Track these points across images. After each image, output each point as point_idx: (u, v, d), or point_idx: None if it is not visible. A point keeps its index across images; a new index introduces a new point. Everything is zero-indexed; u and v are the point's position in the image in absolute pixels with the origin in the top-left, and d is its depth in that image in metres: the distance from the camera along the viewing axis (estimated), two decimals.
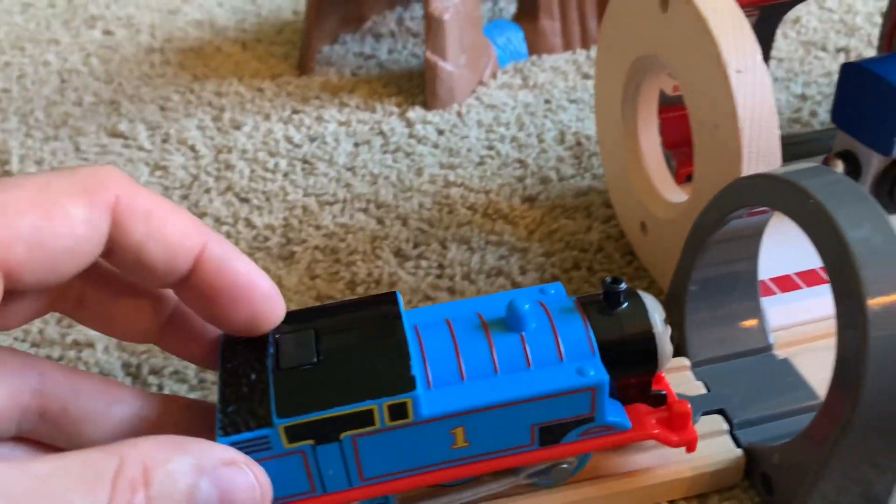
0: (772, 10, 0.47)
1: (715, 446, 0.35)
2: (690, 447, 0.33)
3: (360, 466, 0.30)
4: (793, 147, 0.51)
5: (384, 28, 0.77)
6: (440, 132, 0.61)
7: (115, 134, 0.64)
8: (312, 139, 0.62)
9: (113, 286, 0.28)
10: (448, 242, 0.50)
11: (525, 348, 0.30)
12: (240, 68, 0.72)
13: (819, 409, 0.31)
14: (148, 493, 0.22)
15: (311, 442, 0.29)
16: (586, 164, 0.56)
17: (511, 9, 0.76)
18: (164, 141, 0.63)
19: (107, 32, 0.81)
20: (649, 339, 0.31)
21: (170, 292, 0.29)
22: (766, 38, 0.49)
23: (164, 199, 0.26)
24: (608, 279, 0.31)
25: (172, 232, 0.26)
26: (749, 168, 0.36)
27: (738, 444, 0.35)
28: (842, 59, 0.66)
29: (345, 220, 0.53)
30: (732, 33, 0.36)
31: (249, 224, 0.53)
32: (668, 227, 0.43)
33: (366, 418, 0.29)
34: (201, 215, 0.54)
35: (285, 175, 0.58)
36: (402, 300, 0.31)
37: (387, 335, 0.30)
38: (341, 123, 0.63)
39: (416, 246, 0.50)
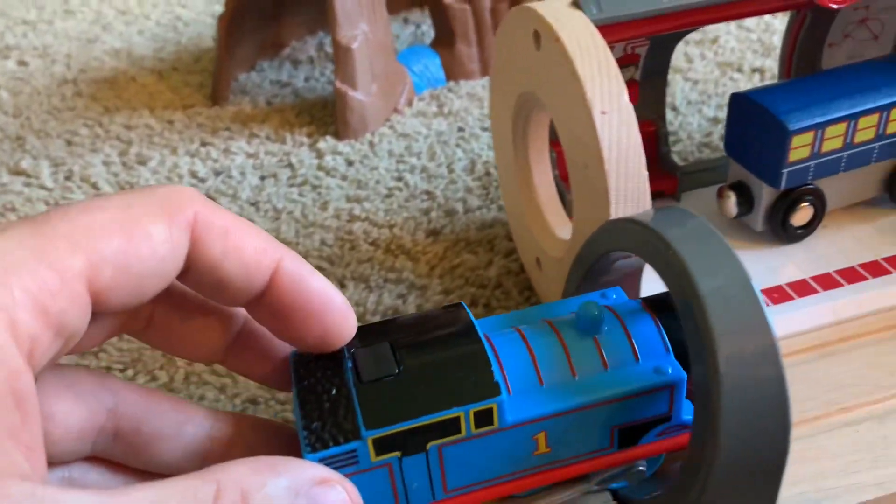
0: (664, 39, 0.46)
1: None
2: None
3: (444, 478, 0.30)
4: (695, 175, 0.50)
5: (303, 54, 0.76)
6: (350, 163, 0.60)
7: (17, 172, 0.62)
8: (218, 173, 0.60)
9: (181, 306, 0.28)
10: (346, 281, 0.49)
11: (600, 350, 0.30)
12: (153, 99, 0.71)
13: (682, 463, 0.30)
14: None
15: (397, 454, 0.28)
16: (493, 194, 0.56)
17: (432, 34, 0.75)
18: (67, 178, 0.61)
19: (21, 63, 0.79)
20: None
21: (237, 311, 0.29)
22: (662, 65, 0.49)
23: (239, 217, 0.26)
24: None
25: (249, 249, 0.25)
26: (617, 209, 0.35)
27: (616, 497, 0.34)
28: (757, 80, 0.66)
29: None
30: (598, 73, 0.35)
31: None
32: (557, 264, 0.43)
33: (452, 426, 0.28)
34: None
35: None
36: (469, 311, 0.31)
37: (464, 343, 0.30)
38: (249, 156, 0.62)
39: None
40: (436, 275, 0.49)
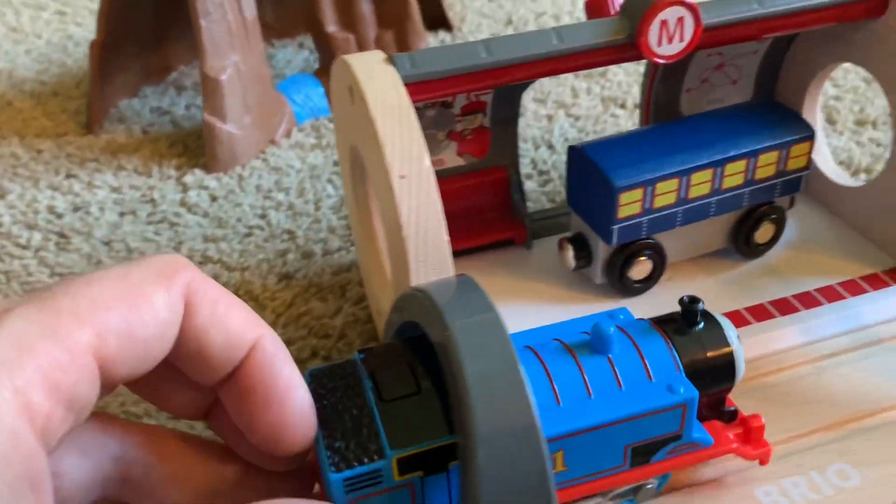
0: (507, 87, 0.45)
1: None
2: (764, 460, 0.34)
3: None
4: (546, 223, 0.49)
5: (189, 80, 0.74)
6: (214, 199, 0.58)
7: None
8: (77, 208, 0.58)
9: (168, 370, 0.27)
10: None
11: (614, 370, 0.31)
12: (25, 126, 0.68)
13: None
14: None
15: (420, 473, 0.28)
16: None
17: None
18: None
19: None
20: (728, 355, 0.32)
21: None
22: (512, 110, 0.48)
23: (226, 291, 0.26)
24: (686, 298, 0.32)
25: (234, 321, 0.26)
26: (417, 274, 0.34)
27: None
28: (637, 116, 0.66)
29: None
30: (400, 135, 0.34)
31: None
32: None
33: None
34: None
35: (37, 251, 0.54)
36: None
37: None
38: (113, 189, 0.60)
39: None
40: (280, 324, 0.47)
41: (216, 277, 0.51)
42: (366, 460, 0.27)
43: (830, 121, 0.64)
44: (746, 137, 0.42)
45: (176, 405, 0.29)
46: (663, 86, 0.50)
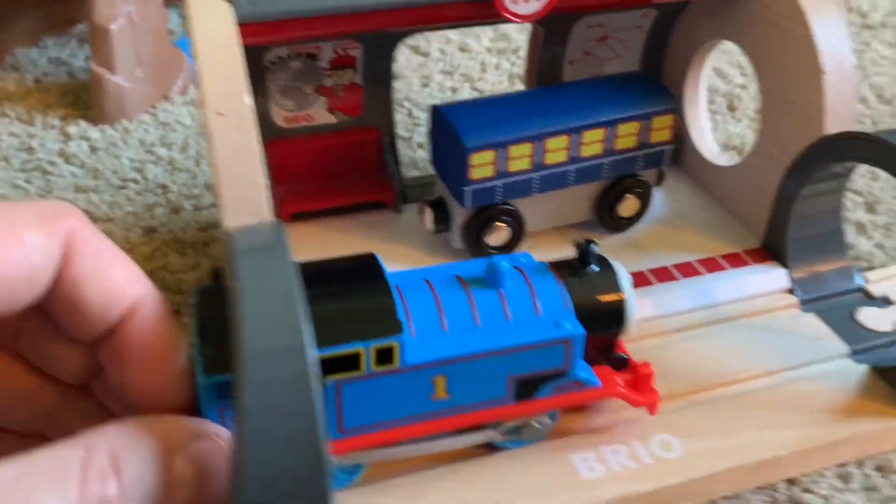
0: (378, 43, 0.44)
1: None
2: (652, 408, 0.34)
3: (340, 416, 0.30)
4: (416, 188, 0.48)
5: None
6: (94, 150, 0.57)
7: None
8: None
9: (50, 324, 0.26)
10: None
11: (504, 303, 0.32)
12: None
13: None
14: (121, 481, 0.22)
15: None
16: None
17: None
18: None
19: None
20: (619, 300, 0.33)
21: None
22: (385, 69, 0.46)
23: (114, 246, 0.25)
24: (583, 241, 0.33)
25: (116, 276, 0.25)
26: (232, 218, 0.32)
27: None
28: None
29: None
30: (222, 73, 0.33)
31: None
32: None
33: (352, 362, 0.29)
34: None
35: None
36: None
37: (370, 284, 0.30)
38: None
39: None
40: None
41: None
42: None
43: (731, 107, 0.64)
44: (606, 106, 0.41)
45: (55, 363, 0.27)
46: (545, 54, 0.49)
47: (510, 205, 0.42)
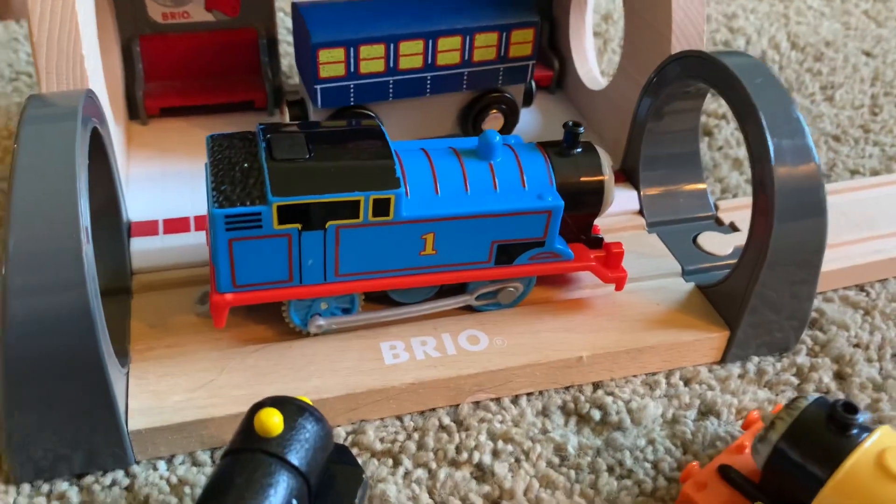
0: None
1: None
2: (620, 284, 0.37)
3: (337, 261, 0.33)
4: (289, 93, 0.49)
5: None
6: None
7: None
8: None
9: None
10: None
11: (493, 174, 0.34)
12: None
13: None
14: None
15: (298, 226, 0.31)
16: None
17: None
18: None
19: None
20: (599, 182, 0.35)
21: None
22: None
23: None
24: (569, 122, 0.35)
25: None
26: (48, 85, 0.33)
27: None
28: None
29: None
30: None
31: None
32: None
33: (351, 210, 0.31)
34: None
35: None
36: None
37: (373, 144, 0.32)
38: None
39: None
40: None
41: None
42: (248, 203, 0.30)
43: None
44: (465, 15, 0.41)
45: None
46: None
47: (368, 110, 0.43)
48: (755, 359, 0.38)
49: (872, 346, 0.40)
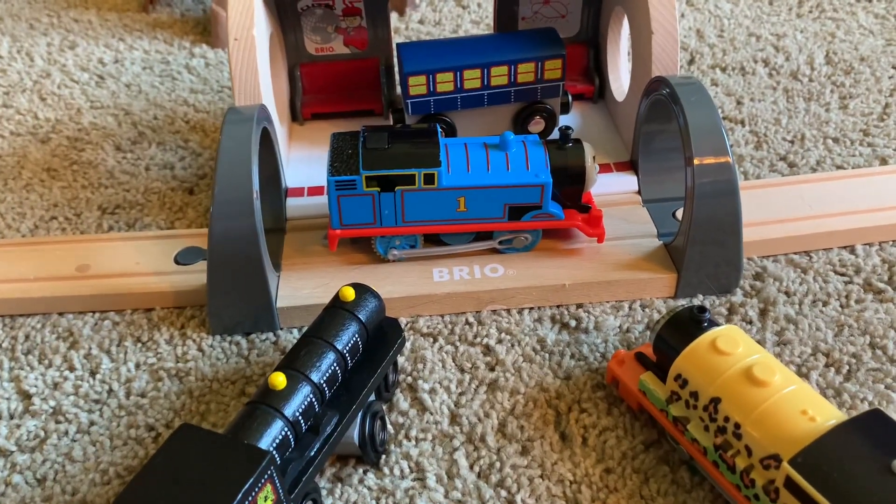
0: None
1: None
2: (600, 238, 0.55)
3: (403, 212, 0.53)
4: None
5: None
6: (208, 65, 0.81)
7: None
8: (116, 61, 0.82)
9: None
10: (157, 145, 0.71)
11: (507, 160, 0.53)
12: (103, 0, 0.93)
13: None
14: None
15: (378, 189, 0.52)
16: None
17: None
18: (18, 52, 0.84)
19: None
20: (581, 167, 0.53)
21: None
22: (383, 13, 0.66)
23: None
24: (564, 125, 0.55)
25: None
26: (241, 102, 0.55)
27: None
28: None
29: (97, 121, 0.74)
30: (241, 8, 0.54)
31: (35, 116, 0.75)
32: None
33: (410, 180, 0.51)
34: (6, 107, 0.76)
35: (84, 84, 0.79)
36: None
37: (428, 139, 0.52)
38: (144, 51, 0.84)
39: (133, 143, 0.71)
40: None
41: (183, 115, 0.74)
42: (348, 173, 0.51)
43: (691, 62, 0.78)
44: (510, 51, 0.59)
45: None
46: (502, 12, 0.67)
47: (445, 116, 0.62)
48: (700, 297, 0.54)
49: (798, 294, 0.54)
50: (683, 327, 0.44)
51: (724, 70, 0.77)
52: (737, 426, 0.39)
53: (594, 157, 0.53)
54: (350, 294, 0.45)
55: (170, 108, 0.75)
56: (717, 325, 0.44)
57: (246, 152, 0.49)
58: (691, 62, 0.78)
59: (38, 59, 0.83)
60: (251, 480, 0.35)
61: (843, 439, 0.36)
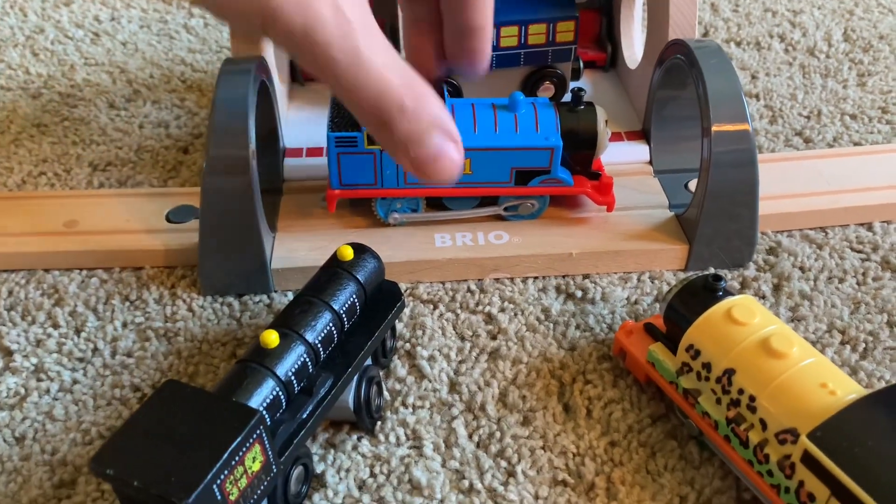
0: None
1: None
2: (610, 207, 0.53)
3: (406, 175, 0.50)
4: None
5: None
6: (206, 25, 0.79)
7: None
8: (112, 19, 0.80)
9: None
10: (152, 104, 0.68)
11: (516, 121, 0.50)
12: None
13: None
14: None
15: (379, 147, 0.48)
16: None
17: None
18: (11, 7, 0.82)
19: None
20: (593, 131, 0.50)
21: None
22: None
23: None
24: (575, 87, 0.52)
25: None
26: (238, 52, 0.52)
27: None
28: None
29: (91, 78, 0.71)
30: None
31: (27, 71, 0.72)
32: None
33: None
34: None
35: (78, 41, 0.76)
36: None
37: None
38: (143, 10, 0.81)
39: (127, 100, 0.69)
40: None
41: (180, 73, 0.71)
42: (349, 129, 0.49)
43: (705, 35, 0.76)
44: (520, 11, 0.57)
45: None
46: None
47: (452, 79, 0.59)
48: (712, 269, 0.52)
49: (813, 270, 0.52)
50: (697, 296, 0.42)
51: (738, 44, 0.75)
52: (752, 399, 0.37)
53: (606, 122, 0.51)
54: (349, 253, 0.43)
55: (167, 67, 0.73)
56: (732, 294, 0.42)
57: (243, 104, 0.47)
58: (705, 35, 0.76)
59: (32, 14, 0.81)
60: (239, 439, 0.33)
61: (865, 414, 0.34)
